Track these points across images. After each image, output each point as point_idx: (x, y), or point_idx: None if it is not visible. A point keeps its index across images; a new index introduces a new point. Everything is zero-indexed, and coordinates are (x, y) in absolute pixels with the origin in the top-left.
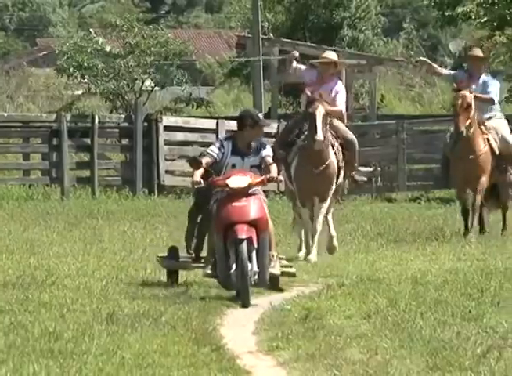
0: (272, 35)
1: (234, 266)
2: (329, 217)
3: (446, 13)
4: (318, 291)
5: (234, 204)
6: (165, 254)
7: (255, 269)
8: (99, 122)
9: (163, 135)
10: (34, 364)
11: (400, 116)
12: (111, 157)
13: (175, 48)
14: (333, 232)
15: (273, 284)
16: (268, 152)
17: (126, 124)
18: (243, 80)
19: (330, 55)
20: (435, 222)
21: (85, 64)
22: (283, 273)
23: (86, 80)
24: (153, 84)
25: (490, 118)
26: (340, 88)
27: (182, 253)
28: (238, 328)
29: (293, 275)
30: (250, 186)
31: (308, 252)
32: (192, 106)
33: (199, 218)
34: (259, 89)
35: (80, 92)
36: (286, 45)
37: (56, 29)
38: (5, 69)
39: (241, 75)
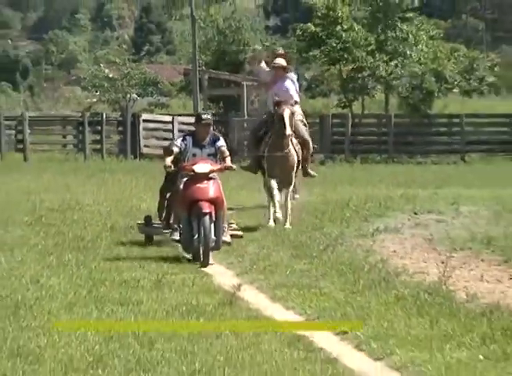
0: (204, 67)
1: (196, 234)
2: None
3: (303, 55)
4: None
5: (198, 185)
6: (142, 221)
7: (213, 237)
8: (106, 117)
9: (142, 124)
10: (69, 254)
11: None
12: (113, 137)
13: (150, 76)
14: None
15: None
16: (222, 143)
17: (121, 119)
18: (187, 93)
19: (281, 61)
20: None
21: (97, 85)
22: (232, 236)
23: (98, 93)
24: (136, 96)
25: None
26: (290, 84)
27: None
28: None
29: (240, 236)
30: (211, 171)
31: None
32: (159, 108)
33: (168, 195)
34: (196, 99)
35: (94, 100)
36: (212, 73)
37: (82, 64)
38: (51, 88)
39: (186, 90)
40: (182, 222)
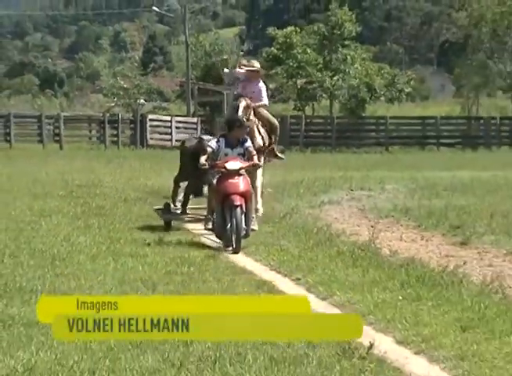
0: (195, 80)
1: (229, 225)
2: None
3: (270, 73)
4: None
5: (230, 180)
6: (160, 206)
7: (244, 226)
8: (121, 117)
9: (148, 123)
10: (93, 219)
11: None
12: (126, 132)
13: (154, 87)
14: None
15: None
16: (249, 144)
17: (132, 118)
18: (182, 100)
19: (256, 64)
20: None
21: (115, 93)
22: None
23: (115, 99)
24: (144, 101)
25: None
26: (262, 86)
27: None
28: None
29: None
30: (240, 169)
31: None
32: (161, 111)
33: (181, 184)
34: (189, 104)
35: (112, 104)
36: (200, 85)
37: (103, 77)
38: (80, 95)
39: (182, 97)
40: (216, 214)
